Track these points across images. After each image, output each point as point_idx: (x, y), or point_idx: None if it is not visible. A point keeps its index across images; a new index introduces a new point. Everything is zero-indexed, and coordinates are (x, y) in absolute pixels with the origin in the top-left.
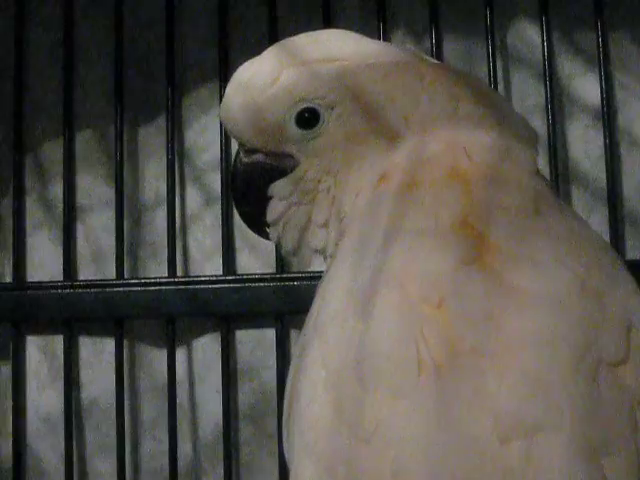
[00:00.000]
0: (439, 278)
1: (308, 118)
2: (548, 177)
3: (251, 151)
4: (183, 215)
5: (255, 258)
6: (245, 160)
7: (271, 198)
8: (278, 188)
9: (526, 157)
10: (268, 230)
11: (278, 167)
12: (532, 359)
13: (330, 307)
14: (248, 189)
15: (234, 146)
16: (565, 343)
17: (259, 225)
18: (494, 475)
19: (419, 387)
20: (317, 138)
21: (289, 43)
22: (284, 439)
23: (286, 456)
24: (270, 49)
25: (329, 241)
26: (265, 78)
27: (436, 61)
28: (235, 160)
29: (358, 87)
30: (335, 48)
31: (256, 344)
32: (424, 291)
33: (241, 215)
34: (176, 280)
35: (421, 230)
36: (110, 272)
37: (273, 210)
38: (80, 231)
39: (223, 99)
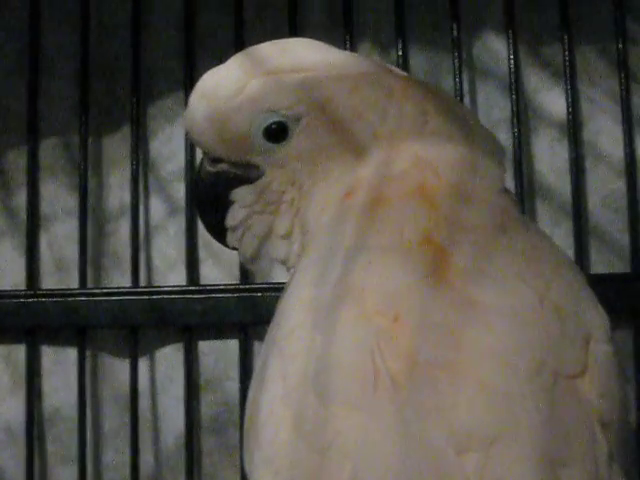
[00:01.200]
0: (397, 293)
1: (275, 130)
2: (513, 190)
3: (215, 160)
4: (147, 225)
5: (219, 269)
6: (209, 169)
7: (232, 203)
8: (241, 195)
9: (493, 174)
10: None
11: (243, 177)
12: (489, 371)
13: (290, 321)
14: (212, 198)
15: (199, 156)
16: (522, 356)
17: (222, 234)
18: None
19: (375, 399)
20: (282, 149)
21: (255, 51)
22: (244, 452)
23: (246, 469)
24: (235, 57)
25: (291, 253)
26: (230, 88)
27: (404, 73)
28: (199, 169)
29: (325, 99)
30: (302, 58)
31: (219, 355)
32: (381, 306)
33: (205, 224)
34: (139, 290)
35: (383, 246)
36: (73, 281)
37: (233, 216)
38: (43, 240)
39: (187, 108)
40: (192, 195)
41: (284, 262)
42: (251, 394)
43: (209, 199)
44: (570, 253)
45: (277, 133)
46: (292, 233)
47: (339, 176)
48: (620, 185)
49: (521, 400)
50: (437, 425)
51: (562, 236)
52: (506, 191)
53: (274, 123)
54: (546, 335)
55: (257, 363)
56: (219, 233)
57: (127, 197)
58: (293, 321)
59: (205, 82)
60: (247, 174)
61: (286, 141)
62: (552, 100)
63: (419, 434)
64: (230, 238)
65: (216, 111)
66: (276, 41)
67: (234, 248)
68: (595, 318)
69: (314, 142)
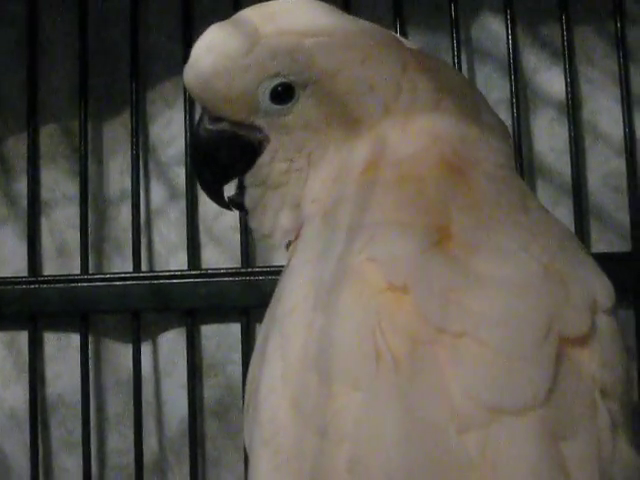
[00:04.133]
0: (403, 261)
1: (281, 93)
2: None
3: (216, 119)
4: (148, 210)
5: (220, 253)
6: (209, 127)
7: (244, 185)
8: (252, 177)
9: (504, 153)
10: (227, 199)
11: (244, 138)
12: (493, 341)
13: (290, 299)
14: (210, 156)
15: None
16: (527, 324)
17: (218, 193)
18: (452, 466)
19: (376, 379)
20: (289, 115)
21: (265, 8)
22: (244, 431)
23: (246, 445)
24: (245, 12)
25: (300, 220)
26: (240, 46)
27: (416, 46)
28: (198, 126)
29: (336, 67)
30: (315, 21)
31: (221, 339)
32: (386, 277)
33: (201, 183)
34: (141, 275)
35: (387, 221)
36: (75, 267)
37: (251, 198)
38: (45, 226)
39: (190, 60)
40: (190, 152)
41: (292, 231)
42: (250, 373)
43: (207, 157)
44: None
45: (283, 95)
46: (301, 203)
47: (351, 148)
48: (619, 164)
49: (526, 370)
50: (438, 405)
51: (562, 216)
52: (513, 168)
53: (280, 85)
54: (551, 303)
55: (257, 341)
56: (215, 192)
57: (127, 182)
58: (294, 299)
59: (212, 37)
60: (249, 135)
61: (292, 104)
62: (551, 80)
63: (420, 414)
64: (251, 220)
65: (224, 68)
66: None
67: (229, 208)
68: (600, 287)
69: (322, 110)
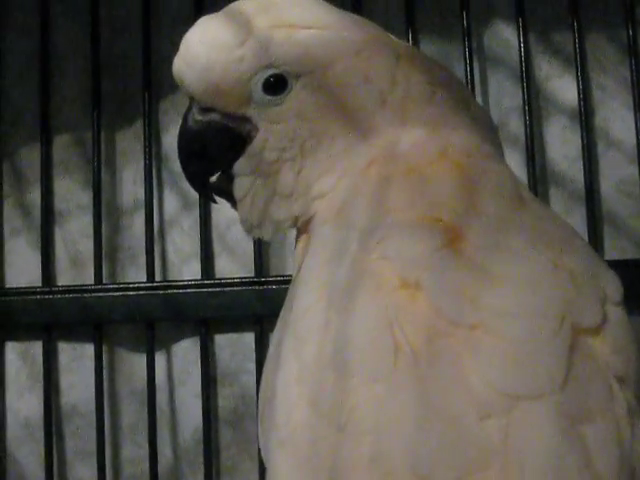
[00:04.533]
0: (414, 261)
1: (274, 83)
2: (525, 178)
3: (206, 109)
4: (161, 220)
5: (233, 262)
6: (199, 118)
7: (234, 176)
8: (241, 165)
9: (498, 148)
10: (212, 188)
11: (233, 129)
12: (509, 332)
13: (303, 301)
14: (198, 147)
15: None
16: (541, 316)
17: (204, 184)
18: (475, 454)
19: (396, 371)
20: (281, 105)
21: (259, 0)
22: (259, 435)
23: (262, 453)
24: (238, 4)
25: (293, 212)
26: (234, 37)
27: (404, 42)
28: (186, 117)
29: (330, 59)
30: (307, 14)
31: (235, 348)
32: (400, 275)
33: (187, 174)
34: (155, 285)
35: (400, 221)
36: (88, 277)
37: (240, 188)
38: (58, 236)
39: (181, 51)
40: (178, 144)
41: (283, 222)
42: (264, 380)
43: (195, 148)
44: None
45: (276, 86)
46: (294, 193)
47: (349, 140)
48: (632, 171)
49: (542, 359)
50: (458, 393)
51: (575, 223)
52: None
53: (273, 76)
54: (562, 295)
55: (270, 348)
56: (201, 184)
57: (141, 192)
58: (307, 302)
59: (205, 28)
60: (238, 126)
61: (284, 95)
62: (563, 87)
63: (441, 403)
64: (240, 210)
65: (216, 60)
66: None
67: (213, 200)
68: (608, 281)
69: (316, 100)
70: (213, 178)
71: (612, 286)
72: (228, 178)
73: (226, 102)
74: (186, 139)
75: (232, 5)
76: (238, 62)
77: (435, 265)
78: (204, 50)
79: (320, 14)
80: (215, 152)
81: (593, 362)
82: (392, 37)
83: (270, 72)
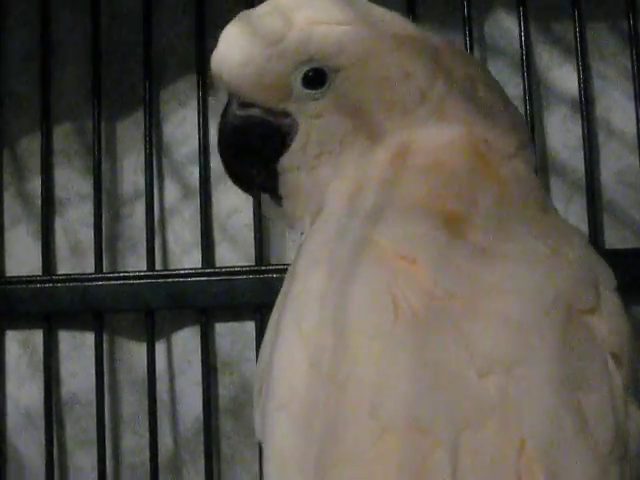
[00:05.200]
0: (414, 240)
1: (314, 78)
2: None
3: (245, 104)
4: (162, 208)
5: (234, 251)
6: (239, 113)
7: (278, 172)
8: (287, 161)
9: (530, 150)
10: (255, 184)
11: (273, 124)
12: (505, 304)
13: (305, 278)
14: (239, 143)
15: (212, 139)
16: (537, 291)
17: (245, 180)
18: (474, 409)
19: (395, 328)
20: (320, 99)
21: None
22: (255, 412)
23: (256, 427)
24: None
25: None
26: (274, 32)
27: (442, 38)
28: (226, 113)
29: (369, 54)
30: (347, 9)
31: (236, 337)
32: (398, 250)
33: (228, 170)
34: (155, 273)
35: (405, 206)
36: (89, 266)
37: (285, 183)
38: (58, 225)
39: (220, 47)
40: (218, 139)
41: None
42: (262, 356)
43: (237, 143)
44: (584, 229)
45: (316, 80)
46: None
47: (384, 135)
48: (633, 160)
49: (538, 330)
50: (458, 350)
51: (576, 212)
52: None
53: (312, 70)
54: (559, 276)
55: (269, 325)
56: (242, 179)
57: (141, 181)
58: (307, 278)
59: (244, 24)
60: (278, 121)
61: (324, 89)
62: (564, 77)
63: (440, 361)
64: (286, 205)
65: (258, 55)
66: None
67: (253, 195)
68: (603, 271)
69: (355, 96)
70: (254, 173)
71: (605, 275)
72: (269, 174)
73: (266, 97)
74: (226, 134)
75: (272, 0)
76: (278, 57)
77: (434, 244)
78: (244, 45)
79: (360, 10)
80: (255, 147)
81: (590, 337)
82: (429, 33)
83: (310, 66)
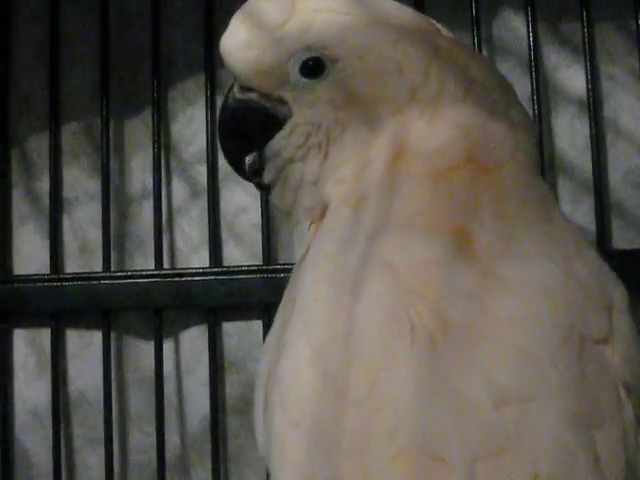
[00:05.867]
0: (424, 264)
1: (312, 67)
2: None
3: (246, 88)
4: (170, 207)
5: (241, 250)
6: (238, 96)
7: (266, 159)
8: (270, 149)
9: (532, 154)
10: (246, 168)
11: (269, 111)
12: (519, 336)
13: (314, 289)
14: (235, 125)
15: None
16: (551, 322)
17: (239, 163)
18: (491, 436)
19: (413, 352)
20: (315, 89)
21: None
22: (256, 422)
23: (258, 437)
24: None
25: (318, 200)
26: (276, 18)
27: (451, 34)
28: (228, 94)
29: (367, 46)
30: (350, 0)
31: (243, 336)
32: (412, 270)
33: (224, 151)
34: (163, 272)
35: (413, 223)
36: (97, 265)
37: (269, 171)
38: (67, 224)
39: (227, 29)
40: (218, 121)
41: (311, 210)
42: (263, 365)
43: (232, 126)
44: (592, 229)
45: (313, 69)
46: (319, 180)
47: (373, 132)
48: None
49: (552, 362)
50: (474, 379)
51: (584, 213)
52: (537, 168)
53: (311, 59)
54: (572, 304)
55: (271, 331)
56: (236, 161)
57: (149, 180)
58: (317, 289)
59: (251, 7)
60: (274, 108)
61: (321, 79)
62: (572, 77)
63: (457, 387)
64: (273, 195)
65: (258, 39)
66: None
67: (249, 179)
68: (616, 291)
69: (347, 88)
70: (249, 158)
71: (618, 293)
72: (262, 160)
73: (264, 82)
74: (224, 116)
75: None
76: (277, 43)
77: (443, 269)
78: (246, 29)
79: (363, 1)
80: (250, 131)
81: (603, 368)
82: (440, 29)
83: (308, 55)
